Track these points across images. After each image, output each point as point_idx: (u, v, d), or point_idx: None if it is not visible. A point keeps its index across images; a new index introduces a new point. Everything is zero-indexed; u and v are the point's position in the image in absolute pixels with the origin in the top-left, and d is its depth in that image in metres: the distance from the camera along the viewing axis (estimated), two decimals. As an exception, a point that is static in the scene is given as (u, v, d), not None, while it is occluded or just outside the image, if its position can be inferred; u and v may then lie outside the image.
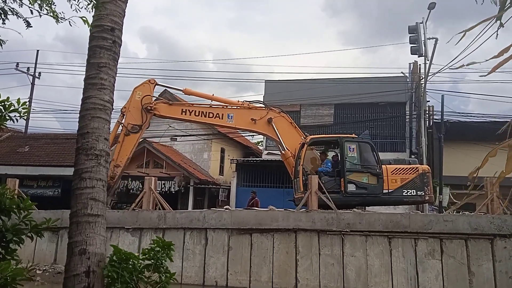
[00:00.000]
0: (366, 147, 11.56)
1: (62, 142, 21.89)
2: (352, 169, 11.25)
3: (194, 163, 22.38)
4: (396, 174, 11.24)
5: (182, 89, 12.84)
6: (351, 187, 11.04)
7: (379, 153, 11.77)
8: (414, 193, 11.11)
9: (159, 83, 12.70)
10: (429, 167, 12.08)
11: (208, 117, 12.31)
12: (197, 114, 12.35)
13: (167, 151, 21.00)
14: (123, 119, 11.97)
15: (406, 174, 11.24)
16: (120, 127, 12.15)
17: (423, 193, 11.13)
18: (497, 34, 4.00)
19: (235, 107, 12.54)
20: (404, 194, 11.12)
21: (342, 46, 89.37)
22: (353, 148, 11.38)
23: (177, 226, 10.89)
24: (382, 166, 11.30)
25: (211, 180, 21.51)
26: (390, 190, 11.10)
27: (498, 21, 3.87)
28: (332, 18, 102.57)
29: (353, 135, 12.35)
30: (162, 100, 13.20)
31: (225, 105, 12.58)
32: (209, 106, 12.50)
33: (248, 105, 12.60)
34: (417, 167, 11.46)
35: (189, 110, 12.42)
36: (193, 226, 10.78)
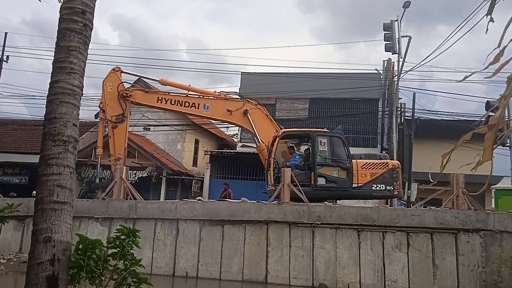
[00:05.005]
0: (337, 141, 11.67)
1: (30, 128, 21.29)
2: (323, 163, 11.38)
3: (167, 153, 22.15)
4: (366, 168, 11.38)
5: (158, 79, 12.79)
6: (321, 181, 11.16)
7: (351, 148, 11.95)
8: (383, 188, 11.30)
9: (124, 71, 12.71)
10: (399, 163, 12.24)
11: (184, 106, 12.38)
12: (173, 102, 12.40)
13: (140, 141, 20.69)
14: (105, 115, 12.13)
15: (376, 169, 11.39)
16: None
17: (392, 188, 11.32)
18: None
19: (212, 98, 12.61)
20: (373, 188, 11.29)
21: (316, 41, 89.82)
22: (324, 142, 11.49)
23: (148, 217, 10.77)
24: (353, 160, 11.43)
25: (184, 171, 21.35)
26: (359, 184, 11.26)
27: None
28: (306, 14, 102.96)
29: (325, 130, 12.47)
30: (138, 88, 13.28)
31: (201, 95, 12.65)
32: (185, 95, 12.56)
33: (225, 96, 12.68)
34: (387, 162, 11.62)
35: (165, 99, 12.45)
36: (165, 216, 10.69)
